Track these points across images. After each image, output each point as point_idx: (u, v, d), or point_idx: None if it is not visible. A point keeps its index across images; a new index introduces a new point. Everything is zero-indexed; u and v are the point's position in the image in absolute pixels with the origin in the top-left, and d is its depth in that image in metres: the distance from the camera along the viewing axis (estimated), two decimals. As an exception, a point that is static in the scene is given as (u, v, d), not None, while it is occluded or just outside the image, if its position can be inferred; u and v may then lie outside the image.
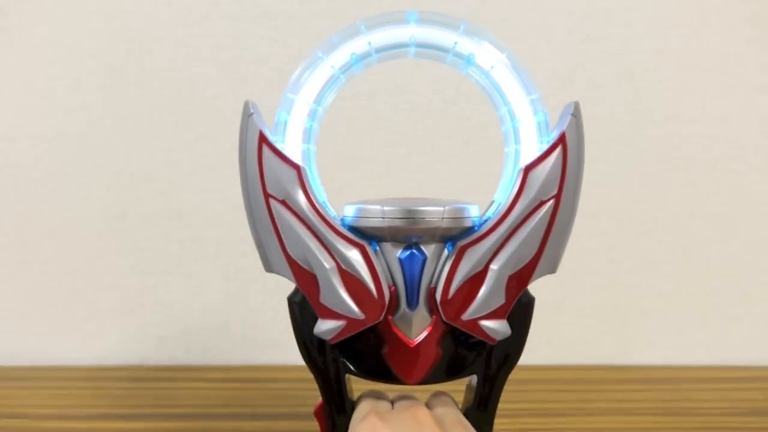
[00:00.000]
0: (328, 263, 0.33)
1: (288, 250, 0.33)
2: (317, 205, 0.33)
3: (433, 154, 0.65)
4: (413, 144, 0.65)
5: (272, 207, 0.33)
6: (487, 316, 0.33)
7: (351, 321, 0.33)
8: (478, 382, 0.35)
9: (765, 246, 0.67)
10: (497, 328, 0.33)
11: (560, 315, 0.67)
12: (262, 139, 0.33)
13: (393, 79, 0.64)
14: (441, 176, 0.65)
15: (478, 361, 0.35)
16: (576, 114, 0.33)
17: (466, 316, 0.33)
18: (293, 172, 0.33)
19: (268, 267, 0.34)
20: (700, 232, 0.66)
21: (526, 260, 0.33)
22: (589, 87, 0.64)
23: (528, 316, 0.35)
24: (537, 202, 0.33)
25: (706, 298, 0.67)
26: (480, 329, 0.33)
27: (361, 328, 0.33)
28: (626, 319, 0.68)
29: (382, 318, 0.33)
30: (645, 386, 0.61)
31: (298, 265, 0.33)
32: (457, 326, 0.33)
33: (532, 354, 0.66)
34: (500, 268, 0.33)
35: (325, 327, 0.33)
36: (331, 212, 0.34)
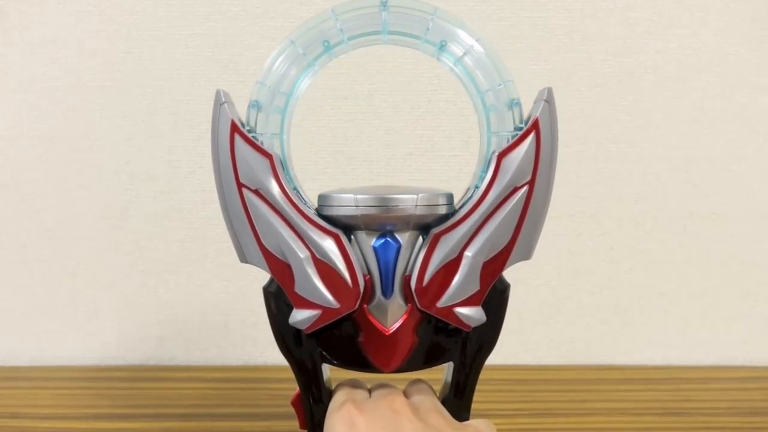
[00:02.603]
0: (302, 252, 0.32)
1: (262, 241, 0.33)
2: (290, 195, 0.33)
3: (433, 154, 0.65)
4: (413, 144, 0.65)
5: (245, 197, 0.33)
6: (462, 303, 0.33)
7: (326, 310, 0.33)
8: (454, 369, 0.35)
9: (765, 246, 0.67)
10: (472, 314, 0.33)
11: (560, 315, 0.67)
12: (234, 129, 0.33)
13: (393, 78, 0.64)
14: (441, 176, 0.65)
15: (454, 348, 0.35)
16: (549, 100, 0.33)
17: (441, 303, 0.33)
18: (266, 161, 0.33)
19: (243, 258, 0.34)
20: (700, 232, 0.66)
21: (501, 247, 0.33)
22: (589, 87, 0.64)
23: (503, 303, 0.35)
24: (511, 189, 0.33)
25: (706, 298, 0.67)
26: (455, 316, 0.33)
27: (337, 317, 0.33)
28: (626, 319, 0.68)
29: (357, 307, 0.33)
30: (645, 386, 0.61)
31: (273, 255, 0.33)
32: (431, 314, 0.33)
33: (532, 354, 0.67)
34: (474, 255, 0.33)
35: (300, 317, 0.33)
36: (306, 201, 0.34)
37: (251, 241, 0.33)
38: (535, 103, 0.34)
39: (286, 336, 0.35)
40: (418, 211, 0.32)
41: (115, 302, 0.68)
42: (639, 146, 0.65)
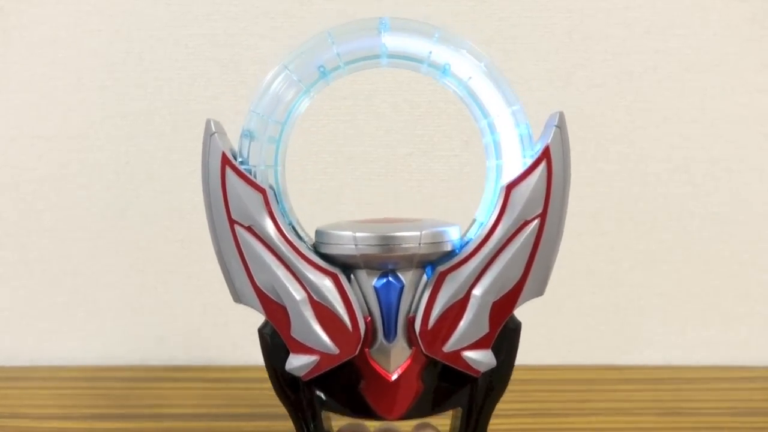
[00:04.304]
0: (298, 294, 0.31)
1: (255, 280, 0.31)
2: (285, 231, 0.31)
3: (433, 154, 0.65)
4: (413, 144, 0.65)
5: (238, 234, 0.31)
6: (471, 347, 0.31)
7: (324, 356, 0.31)
8: (462, 415, 0.33)
9: (765, 246, 0.67)
10: (481, 359, 0.31)
11: (560, 315, 0.67)
12: (226, 161, 0.31)
13: (393, 78, 0.64)
14: (441, 176, 0.65)
15: (463, 393, 0.33)
16: (561, 125, 0.31)
17: (448, 347, 0.31)
18: (259, 196, 0.31)
19: (236, 298, 0.32)
20: (700, 232, 0.66)
21: (511, 285, 0.31)
22: (589, 87, 0.64)
23: (515, 343, 0.33)
24: (521, 222, 0.31)
25: (706, 298, 0.67)
26: (463, 361, 0.31)
27: (336, 364, 0.31)
28: (626, 319, 0.68)
29: (357, 352, 0.31)
30: (645, 386, 0.61)
31: (267, 296, 0.31)
32: (438, 359, 0.31)
33: (532, 354, 0.66)
34: (483, 295, 0.31)
35: (297, 363, 0.31)
36: (303, 236, 0.32)
37: (244, 281, 0.32)
38: (545, 128, 0.32)
39: (282, 380, 0.33)
40: (422, 250, 0.30)
41: (115, 302, 0.68)
42: (639, 146, 0.65)
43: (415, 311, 0.31)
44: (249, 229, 0.31)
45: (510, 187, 0.31)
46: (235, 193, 0.31)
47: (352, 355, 0.31)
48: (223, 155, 0.31)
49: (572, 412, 0.54)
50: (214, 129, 0.31)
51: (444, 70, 0.32)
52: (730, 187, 0.66)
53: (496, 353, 0.32)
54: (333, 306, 0.31)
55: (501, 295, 0.31)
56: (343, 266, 0.31)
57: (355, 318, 0.31)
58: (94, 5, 0.63)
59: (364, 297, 0.31)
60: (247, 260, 0.31)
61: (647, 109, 0.65)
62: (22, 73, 0.64)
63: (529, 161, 0.31)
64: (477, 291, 0.31)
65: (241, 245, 0.31)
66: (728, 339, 0.68)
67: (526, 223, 0.31)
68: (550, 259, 0.32)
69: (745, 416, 0.54)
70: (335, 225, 0.32)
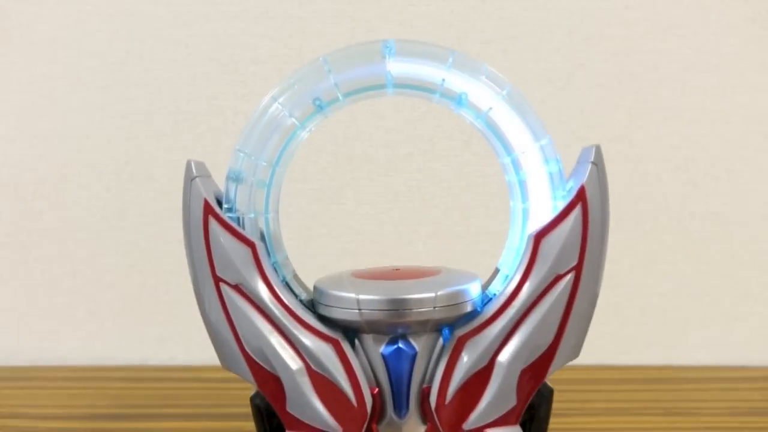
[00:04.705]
0: (294, 363, 0.27)
1: (245, 346, 0.27)
2: (278, 290, 0.27)
3: (433, 154, 0.65)
4: (413, 144, 0.65)
5: (224, 293, 0.27)
6: (496, 423, 0.27)
7: None
8: None
9: (765, 246, 0.67)
10: None
11: (560, 315, 0.67)
12: (209, 210, 0.27)
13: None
14: (441, 176, 0.65)
15: None
16: (597, 161, 0.27)
17: (469, 424, 0.27)
18: (247, 250, 0.27)
19: (224, 365, 0.29)
20: (700, 232, 0.66)
21: (543, 349, 0.28)
22: (589, 87, 0.64)
23: (547, 412, 0.29)
24: (553, 277, 0.27)
25: (706, 298, 0.67)
26: None
27: None
28: (626, 319, 0.68)
29: (364, 430, 0.27)
30: (645, 386, 0.61)
31: (258, 364, 0.27)
32: None
33: (532, 354, 0.66)
34: (510, 362, 0.27)
35: None
36: (299, 293, 0.29)
37: (233, 347, 0.28)
38: (578, 164, 0.28)
39: None
40: (438, 314, 0.26)
41: (115, 302, 0.67)
42: (639, 146, 0.65)
43: (430, 382, 0.27)
44: (237, 288, 0.27)
45: (540, 236, 0.27)
46: (219, 247, 0.27)
47: None
48: (206, 203, 0.27)
49: (572, 412, 0.54)
50: (195, 172, 0.28)
51: (459, 101, 0.28)
52: (730, 187, 0.66)
53: (526, 428, 0.28)
54: (334, 377, 0.27)
55: (530, 361, 0.28)
56: (346, 330, 0.27)
57: (360, 391, 0.27)
58: (94, 5, 0.63)
59: (371, 366, 0.27)
60: (234, 323, 0.28)
61: (647, 109, 0.65)
62: (22, 73, 0.64)
63: (561, 204, 0.27)
64: (502, 358, 0.27)
65: (227, 306, 0.27)
66: (728, 339, 0.68)
67: (559, 277, 0.27)
68: (586, 317, 0.29)
69: (745, 416, 0.54)
70: (336, 281, 0.28)
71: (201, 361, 0.68)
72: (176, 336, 0.68)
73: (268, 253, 0.28)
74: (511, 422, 0.28)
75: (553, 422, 0.54)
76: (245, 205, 0.28)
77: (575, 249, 0.27)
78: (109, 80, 0.64)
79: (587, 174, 0.27)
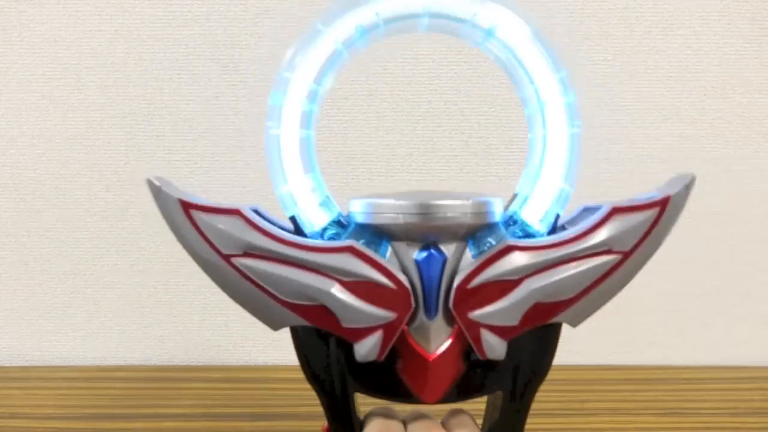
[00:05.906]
0: (327, 285, 0.29)
1: (281, 297, 0.29)
2: (279, 235, 0.29)
3: (433, 154, 0.65)
4: (413, 144, 0.65)
5: (238, 266, 0.29)
6: (493, 328, 0.29)
7: (386, 327, 0.29)
8: (503, 400, 0.32)
9: (765, 246, 0.67)
10: (495, 345, 0.29)
11: (560, 315, 0.67)
12: (187, 207, 0.29)
13: (393, 78, 0.64)
14: (441, 176, 0.65)
15: (505, 376, 0.31)
16: (689, 188, 0.31)
17: (474, 315, 0.29)
18: (236, 218, 0.29)
19: (274, 325, 0.30)
20: (700, 232, 0.66)
21: (561, 298, 0.30)
22: (589, 87, 0.64)
23: (556, 334, 0.31)
24: (604, 248, 0.29)
25: (706, 298, 0.67)
26: (477, 336, 0.29)
27: (401, 327, 0.29)
28: (626, 319, 0.68)
29: (414, 304, 0.29)
30: (645, 386, 0.61)
31: (302, 305, 0.29)
32: (457, 319, 0.29)
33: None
34: (535, 289, 0.29)
35: (364, 349, 0.29)
36: (306, 226, 0.30)
37: (273, 305, 0.29)
38: (675, 179, 0.31)
39: (315, 367, 0.31)
40: (469, 219, 0.29)
41: (115, 302, 0.68)
42: (639, 146, 0.65)
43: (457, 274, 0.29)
44: (247, 255, 0.29)
45: (616, 210, 0.30)
46: (212, 228, 0.29)
47: (411, 311, 0.29)
48: (181, 202, 0.29)
49: (572, 412, 0.54)
50: (158, 184, 0.30)
51: (489, 33, 0.30)
52: (730, 187, 0.66)
53: (540, 338, 0.31)
54: (364, 275, 0.29)
55: (547, 301, 0.29)
56: (381, 237, 0.29)
57: (392, 275, 0.29)
58: (94, 5, 0.63)
59: (404, 271, 0.29)
60: (262, 285, 0.29)
61: (647, 109, 0.65)
62: (22, 73, 0.64)
63: (646, 199, 0.31)
64: (533, 283, 0.29)
65: (249, 275, 0.29)
66: (728, 339, 0.68)
67: (609, 252, 0.30)
68: (605, 298, 0.31)
69: (745, 416, 0.54)
70: (374, 194, 0.30)
71: (201, 361, 0.68)
72: (176, 336, 0.68)
73: (261, 215, 0.30)
74: (504, 335, 0.29)
75: (554, 422, 0.54)
76: (288, 123, 0.30)
77: (634, 238, 0.30)
78: (109, 80, 0.64)
79: (678, 190, 0.30)
